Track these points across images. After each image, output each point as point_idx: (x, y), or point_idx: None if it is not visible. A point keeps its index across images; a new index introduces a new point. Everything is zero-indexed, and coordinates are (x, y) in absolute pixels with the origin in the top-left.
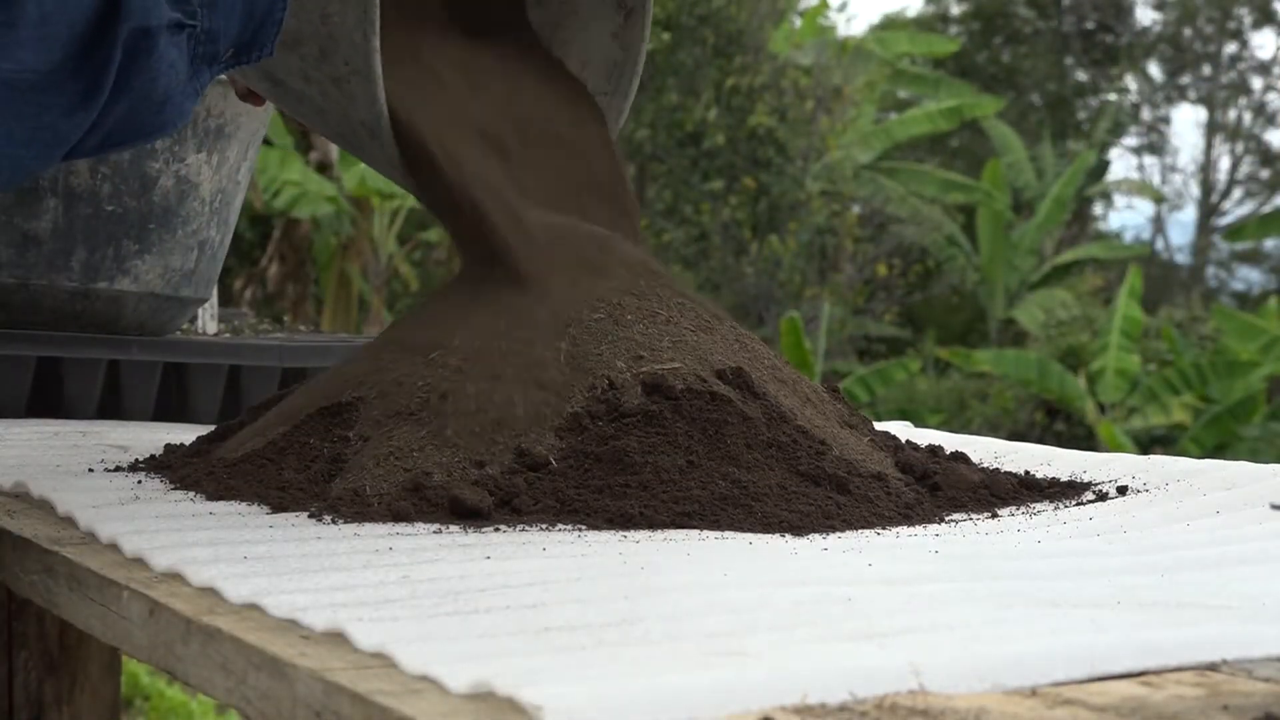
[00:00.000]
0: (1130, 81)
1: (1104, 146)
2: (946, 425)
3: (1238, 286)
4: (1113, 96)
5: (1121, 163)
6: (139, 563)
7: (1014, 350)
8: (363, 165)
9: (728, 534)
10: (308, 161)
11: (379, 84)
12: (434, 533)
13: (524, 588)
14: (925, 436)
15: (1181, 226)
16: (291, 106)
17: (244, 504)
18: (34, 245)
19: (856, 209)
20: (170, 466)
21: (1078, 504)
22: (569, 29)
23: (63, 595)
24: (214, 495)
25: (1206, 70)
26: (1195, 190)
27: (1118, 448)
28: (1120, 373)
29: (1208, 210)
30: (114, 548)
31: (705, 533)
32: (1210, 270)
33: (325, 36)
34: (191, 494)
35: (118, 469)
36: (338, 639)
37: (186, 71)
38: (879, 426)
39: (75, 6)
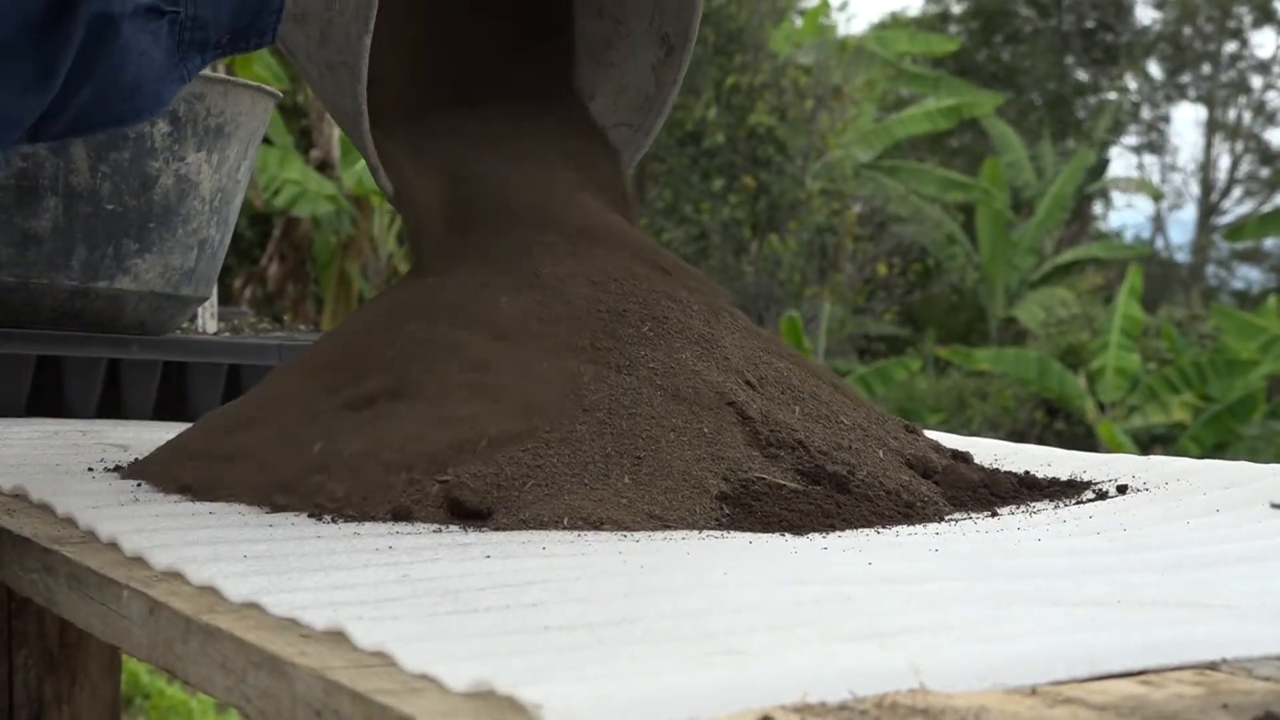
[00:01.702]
0: (1130, 80)
1: (1104, 145)
2: (946, 424)
3: (1237, 285)
4: (1113, 95)
5: (1121, 161)
6: (139, 561)
7: (1014, 349)
8: (362, 164)
9: (729, 533)
10: (308, 160)
11: (362, 83)
12: (434, 532)
13: (524, 587)
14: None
15: (1181, 225)
16: (304, 77)
17: (244, 504)
18: (34, 244)
19: (856, 208)
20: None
21: (1078, 503)
22: (618, 51)
23: (63, 594)
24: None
25: (1206, 69)
26: (1195, 189)
27: (1117, 446)
28: (1120, 371)
29: (1207, 209)
30: (114, 546)
31: (705, 532)
32: (1210, 269)
33: (326, 22)
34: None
35: (117, 468)
36: (338, 638)
37: (164, 58)
38: None
39: None
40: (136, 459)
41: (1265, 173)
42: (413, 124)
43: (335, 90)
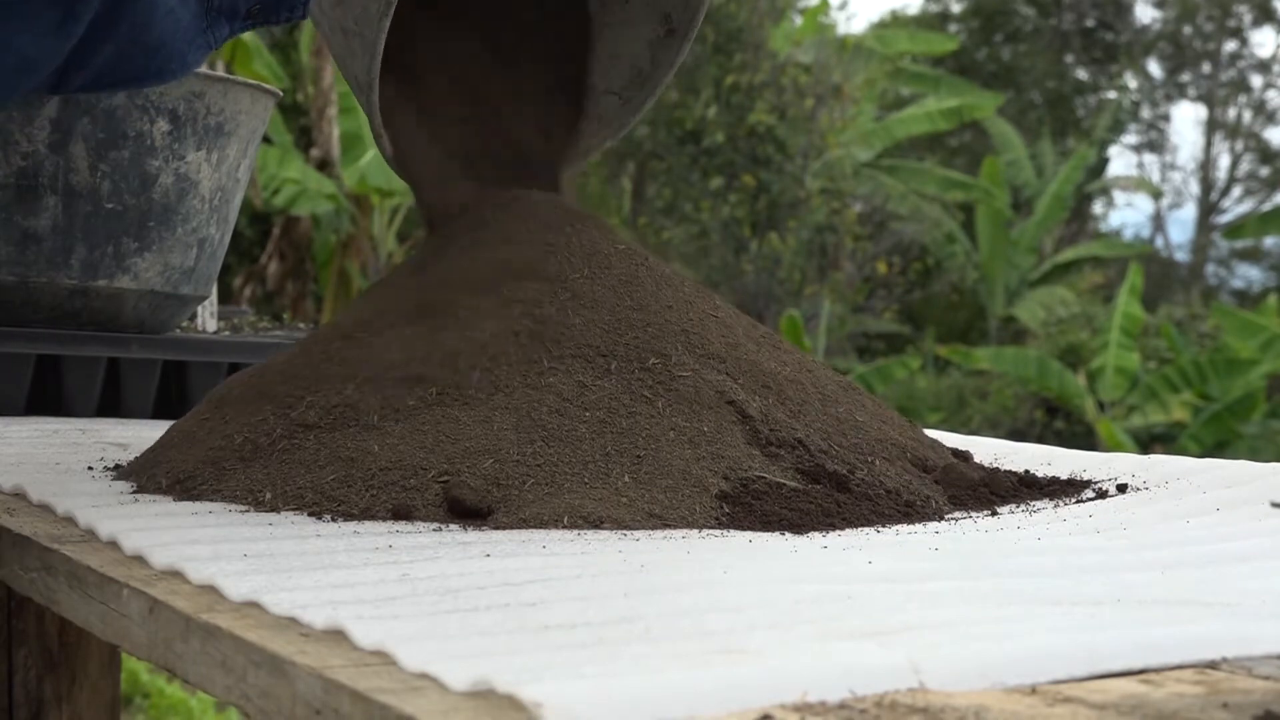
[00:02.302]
0: (1130, 79)
1: (1104, 144)
2: (946, 423)
3: (1237, 284)
4: (1112, 94)
5: (1121, 160)
6: (139, 560)
7: (1013, 348)
8: (363, 162)
9: (729, 532)
10: (307, 159)
11: (377, 60)
12: (434, 531)
13: (524, 585)
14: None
15: (1181, 224)
16: (314, 25)
17: (244, 503)
18: (34, 243)
19: (856, 207)
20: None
21: (1078, 502)
22: (613, 13)
23: (62, 593)
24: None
25: (1206, 68)
26: (1195, 188)
27: (1117, 445)
28: (1120, 370)
29: (1207, 208)
30: (114, 545)
31: (705, 531)
32: (1210, 268)
33: None
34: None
35: (117, 467)
36: (337, 637)
37: (192, 21)
38: None
39: None
40: (136, 458)
41: (1265, 172)
42: (416, 90)
43: (346, 53)
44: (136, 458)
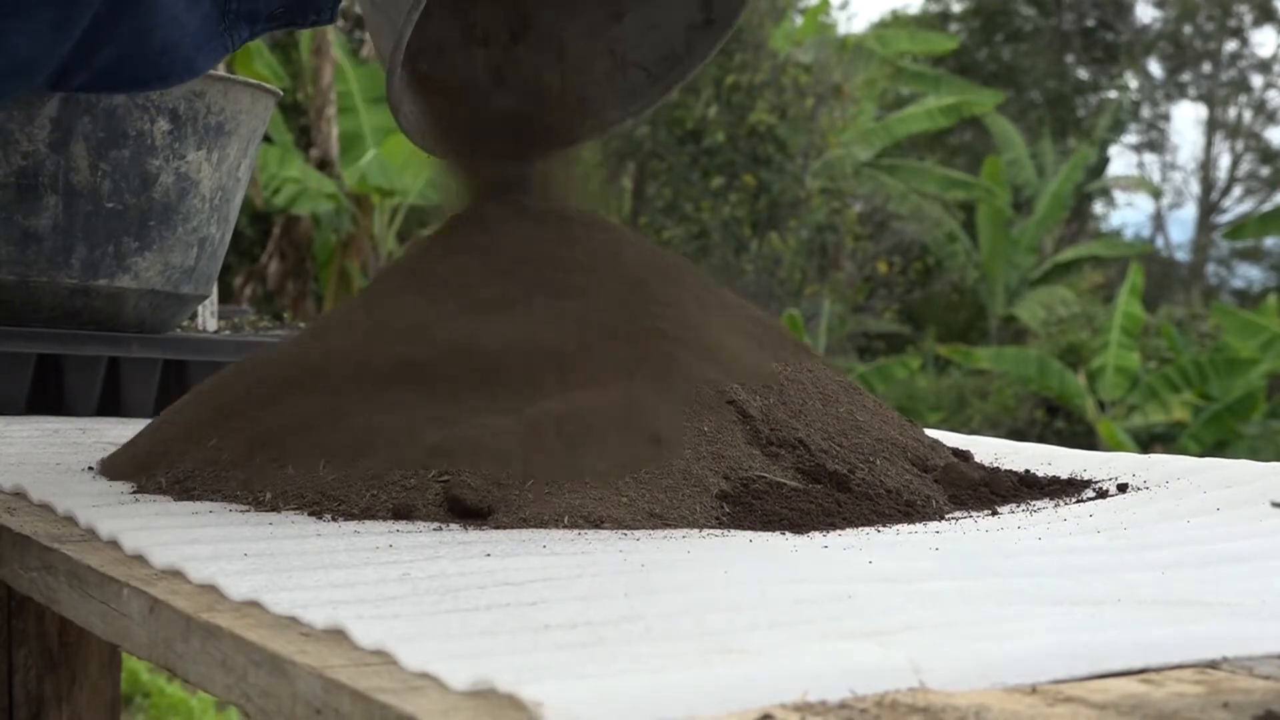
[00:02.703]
0: (1130, 79)
1: (1104, 144)
2: (946, 423)
3: (1238, 284)
4: (1113, 94)
5: (1121, 160)
6: (139, 559)
7: (1014, 348)
8: (363, 162)
9: (729, 532)
10: (308, 159)
11: (401, 48)
12: (434, 530)
13: (524, 585)
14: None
15: (1181, 224)
16: None
17: (244, 503)
18: (34, 242)
19: (857, 206)
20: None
21: (1078, 501)
22: None
23: (63, 592)
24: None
25: (1207, 68)
26: (1195, 188)
27: (1117, 445)
28: (1120, 370)
29: (1208, 208)
30: (114, 545)
31: (706, 530)
32: (1210, 268)
33: None
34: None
35: None
36: (338, 636)
37: (201, 25)
38: None
39: None
40: (118, 450)
41: (1265, 171)
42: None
43: (375, 28)
44: (118, 449)
